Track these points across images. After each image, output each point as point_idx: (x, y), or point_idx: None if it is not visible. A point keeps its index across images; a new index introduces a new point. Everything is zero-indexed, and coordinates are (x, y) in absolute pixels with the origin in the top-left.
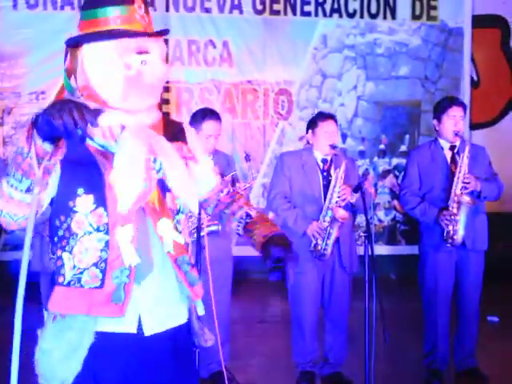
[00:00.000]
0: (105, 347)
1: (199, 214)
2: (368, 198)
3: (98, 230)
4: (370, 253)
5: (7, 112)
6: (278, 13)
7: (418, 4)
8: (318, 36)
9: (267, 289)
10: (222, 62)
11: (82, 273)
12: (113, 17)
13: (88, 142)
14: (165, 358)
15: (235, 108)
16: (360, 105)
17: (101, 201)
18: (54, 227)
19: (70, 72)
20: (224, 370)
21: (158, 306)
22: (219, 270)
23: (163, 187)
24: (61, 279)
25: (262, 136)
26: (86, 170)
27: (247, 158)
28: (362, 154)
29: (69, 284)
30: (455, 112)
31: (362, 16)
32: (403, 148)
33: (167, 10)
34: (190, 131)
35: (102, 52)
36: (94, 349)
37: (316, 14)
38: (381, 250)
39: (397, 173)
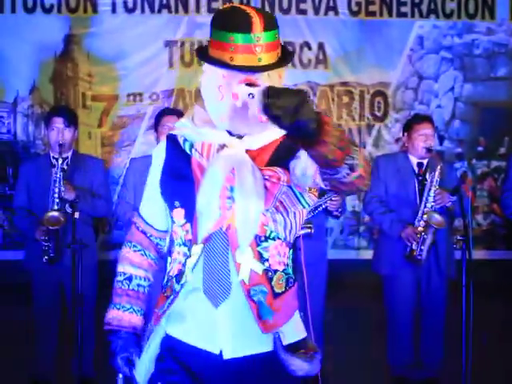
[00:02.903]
0: (180, 355)
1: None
2: (466, 202)
3: (184, 244)
4: (467, 257)
5: (105, 114)
6: (373, 14)
7: None
8: (415, 37)
9: (362, 292)
10: (318, 63)
11: (168, 280)
12: (228, 43)
13: (191, 154)
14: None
15: (331, 110)
16: (457, 106)
17: (189, 217)
18: (171, 226)
19: None
20: (318, 375)
21: (237, 331)
22: (313, 272)
23: None
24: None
25: (357, 138)
26: (182, 184)
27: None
28: (459, 157)
29: (162, 286)
30: None
31: (459, 16)
32: (502, 150)
33: None
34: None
35: (213, 76)
36: (169, 353)
37: (412, 15)
38: (479, 254)
39: (496, 176)
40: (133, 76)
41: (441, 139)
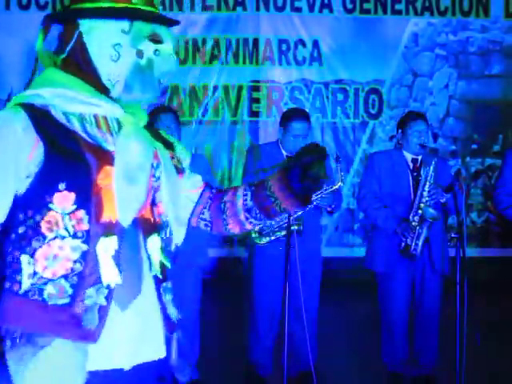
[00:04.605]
0: None
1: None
2: (460, 199)
3: (74, 236)
4: (461, 255)
5: None
6: (368, 11)
7: None
8: (409, 34)
9: (356, 289)
10: (312, 61)
11: (45, 284)
12: None
13: (78, 131)
14: None
15: (325, 107)
16: (452, 104)
17: (83, 203)
18: (14, 221)
19: (61, 48)
20: (313, 370)
21: (138, 335)
22: (307, 269)
23: (153, 198)
24: (15, 287)
25: (352, 135)
26: (71, 164)
27: (337, 159)
28: (453, 154)
29: (26, 295)
30: None
31: (453, 14)
32: (496, 148)
33: (257, 9)
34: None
35: (108, 34)
36: None
37: (407, 13)
38: (473, 252)
39: (490, 173)
40: None
41: (435, 137)
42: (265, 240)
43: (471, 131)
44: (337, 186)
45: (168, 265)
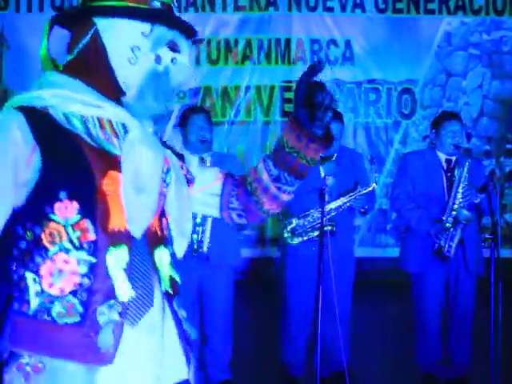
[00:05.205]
0: None
1: (322, 211)
2: (494, 199)
3: (80, 248)
4: (496, 255)
5: None
6: (401, 11)
7: None
8: (442, 34)
9: (389, 290)
10: (345, 61)
11: (52, 302)
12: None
13: (80, 133)
14: None
15: (357, 107)
16: (485, 104)
17: (88, 212)
18: (14, 235)
19: (71, 47)
20: (346, 370)
21: (159, 355)
22: (340, 270)
23: (162, 209)
24: (24, 307)
25: (384, 135)
26: (72, 170)
27: (372, 160)
28: (487, 154)
29: (35, 315)
30: None
31: (487, 13)
32: None
33: (290, 9)
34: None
35: (127, 34)
36: None
37: (440, 12)
38: (507, 253)
39: None
40: None
41: (469, 137)
42: (297, 240)
43: (505, 131)
44: (371, 188)
45: (178, 279)
